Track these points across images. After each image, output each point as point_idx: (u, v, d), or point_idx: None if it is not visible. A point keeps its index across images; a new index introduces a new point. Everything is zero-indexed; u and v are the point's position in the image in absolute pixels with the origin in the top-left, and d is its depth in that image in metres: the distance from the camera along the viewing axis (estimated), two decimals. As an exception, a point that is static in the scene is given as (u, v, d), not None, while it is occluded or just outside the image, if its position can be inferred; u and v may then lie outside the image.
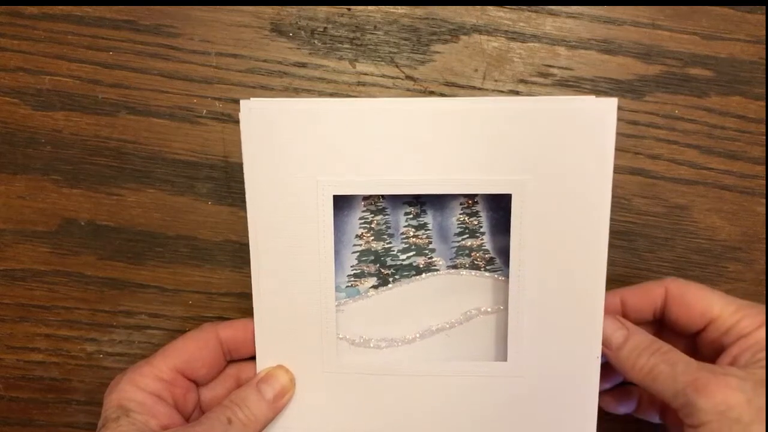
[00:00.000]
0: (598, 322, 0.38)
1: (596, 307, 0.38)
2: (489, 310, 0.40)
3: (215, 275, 0.43)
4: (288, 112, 0.37)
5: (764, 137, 0.42)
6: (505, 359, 0.39)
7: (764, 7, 0.41)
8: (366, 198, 0.40)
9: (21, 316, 0.44)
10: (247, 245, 0.43)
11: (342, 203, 0.39)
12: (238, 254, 0.43)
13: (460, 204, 0.40)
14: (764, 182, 0.42)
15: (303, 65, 0.41)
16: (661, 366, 0.35)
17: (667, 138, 0.42)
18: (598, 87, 0.41)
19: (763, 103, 0.42)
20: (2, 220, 0.43)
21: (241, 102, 0.37)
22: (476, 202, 0.40)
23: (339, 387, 0.40)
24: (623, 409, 0.41)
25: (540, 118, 0.36)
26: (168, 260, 0.43)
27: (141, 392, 0.37)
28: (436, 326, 0.41)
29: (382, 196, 0.40)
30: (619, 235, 0.43)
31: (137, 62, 0.41)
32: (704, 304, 0.38)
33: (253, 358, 0.40)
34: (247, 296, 0.43)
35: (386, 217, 0.40)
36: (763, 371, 0.34)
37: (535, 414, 0.39)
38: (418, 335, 0.41)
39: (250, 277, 0.43)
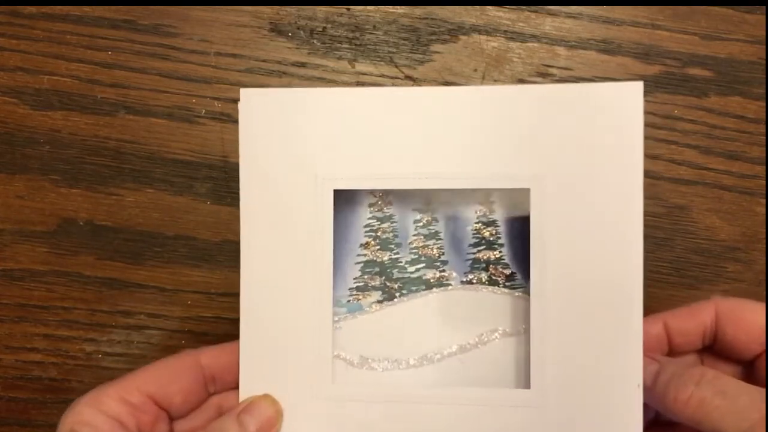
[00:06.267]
0: (638, 342, 0.33)
1: (634, 324, 0.33)
2: (508, 331, 0.36)
3: (214, 275, 0.43)
4: (290, 101, 0.35)
5: (764, 137, 0.42)
6: (527, 386, 0.34)
7: (764, 7, 0.41)
8: (372, 204, 0.37)
9: (19, 316, 0.44)
10: (246, 245, 0.43)
11: (346, 209, 0.36)
12: (237, 254, 0.43)
13: (476, 212, 0.37)
14: (764, 182, 0.42)
15: (302, 65, 0.41)
16: (716, 400, 0.30)
17: (667, 138, 0.42)
18: (597, 87, 0.41)
19: (763, 103, 0.42)
20: (1, 220, 0.43)
21: (242, 91, 0.35)
22: (494, 210, 0.37)
23: (335, 416, 0.35)
24: None
25: (559, 106, 0.33)
26: (167, 260, 0.43)
27: (100, 416, 0.32)
28: (447, 348, 0.36)
29: (390, 202, 0.37)
30: (619, 236, 0.43)
31: (136, 62, 0.41)
32: (764, 319, 0.33)
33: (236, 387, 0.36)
34: (246, 296, 0.43)
35: (394, 224, 0.37)
36: None
37: None
38: (426, 358, 0.36)
39: (249, 277, 0.43)
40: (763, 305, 0.34)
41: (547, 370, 0.34)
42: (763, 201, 0.43)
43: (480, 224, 0.37)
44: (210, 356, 0.36)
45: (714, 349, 0.35)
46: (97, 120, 0.41)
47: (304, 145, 0.35)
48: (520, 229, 0.36)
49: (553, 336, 0.34)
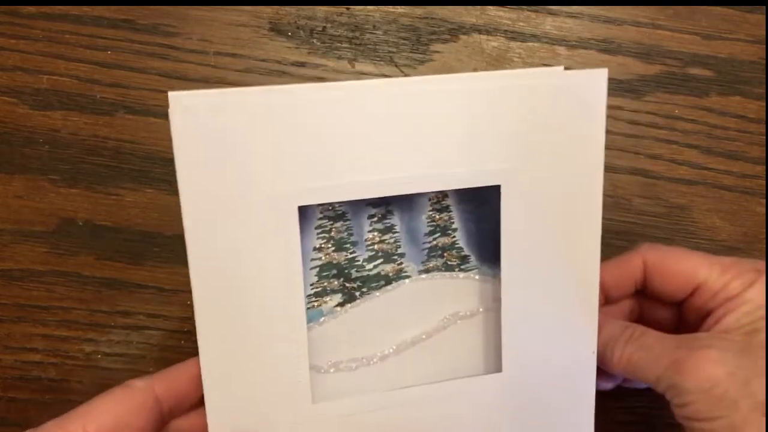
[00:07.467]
0: (594, 313, 0.35)
1: (592, 296, 0.35)
2: (468, 313, 0.36)
3: (214, 275, 0.43)
4: (230, 105, 0.30)
5: (764, 137, 0.42)
6: (498, 369, 0.35)
7: (764, 7, 0.41)
8: (322, 202, 0.34)
9: (19, 317, 0.44)
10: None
11: None
12: (237, 254, 0.43)
13: (429, 200, 0.35)
14: (764, 182, 0.42)
15: (302, 65, 0.41)
16: (638, 353, 0.34)
17: (667, 138, 0.42)
18: (597, 87, 0.41)
19: (763, 103, 0.42)
20: (0, 219, 0.43)
21: (170, 95, 0.29)
22: (446, 196, 0.35)
23: None
24: (610, 384, 0.39)
25: (522, 96, 0.32)
26: (166, 260, 0.43)
27: None
28: (411, 338, 0.36)
29: None
30: (619, 235, 0.42)
31: (135, 62, 0.41)
32: (688, 269, 0.35)
33: (194, 408, 0.35)
34: (246, 296, 0.43)
35: (347, 222, 0.34)
36: (748, 338, 0.32)
37: (532, 420, 0.37)
38: (392, 350, 0.36)
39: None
40: (688, 252, 0.36)
41: (518, 351, 0.35)
42: (764, 201, 0.43)
43: (434, 211, 0.36)
44: (165, 386, 0.32)
45: (646, 293, 0.38)
46: (96, 120, 0.41)
47: (255, 157, 0.30)
48: (472, 211, 0.36)
49: (521, 319, 0.35)
